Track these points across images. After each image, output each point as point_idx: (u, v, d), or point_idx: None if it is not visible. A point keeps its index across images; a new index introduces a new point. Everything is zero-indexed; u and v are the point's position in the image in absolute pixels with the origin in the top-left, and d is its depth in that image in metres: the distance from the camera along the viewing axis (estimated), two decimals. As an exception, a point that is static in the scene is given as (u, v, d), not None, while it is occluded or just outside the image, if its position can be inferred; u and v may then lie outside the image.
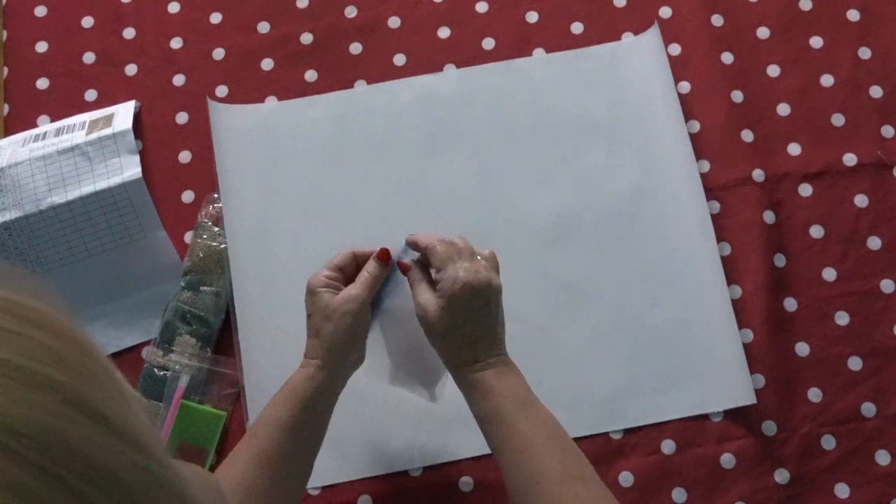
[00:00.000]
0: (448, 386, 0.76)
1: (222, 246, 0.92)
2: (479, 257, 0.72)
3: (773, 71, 0.99)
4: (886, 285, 0.92)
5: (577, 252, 0.93)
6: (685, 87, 0.98)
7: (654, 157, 0.95)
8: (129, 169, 0.92)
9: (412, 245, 0.75)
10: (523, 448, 0.66)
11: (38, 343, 0.31)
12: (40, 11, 1.04)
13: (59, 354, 0.31)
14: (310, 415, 0.72)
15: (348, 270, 0.76)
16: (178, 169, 0.97)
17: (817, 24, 1.01)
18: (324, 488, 0.86)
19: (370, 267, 0.74)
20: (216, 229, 0.93)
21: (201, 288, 0.91)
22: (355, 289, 0.73)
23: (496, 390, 0.69)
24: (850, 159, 0.96)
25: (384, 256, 0.75)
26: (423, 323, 0.71)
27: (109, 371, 0.34)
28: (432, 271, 0.72)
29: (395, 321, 0.77)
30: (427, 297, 0.71)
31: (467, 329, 0.70)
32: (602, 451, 0.86)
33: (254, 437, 0.71)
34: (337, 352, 0.72)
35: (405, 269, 0.75)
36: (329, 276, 0.74)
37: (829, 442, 0.87)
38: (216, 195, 0.95)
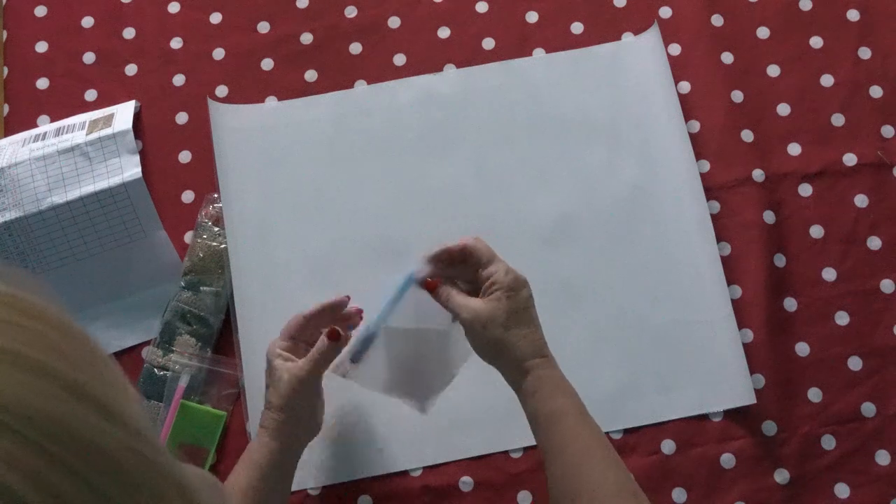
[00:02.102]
0: (439, 400, 0.77)
1: (222, 246, 0.92)
2: None
3: (773, 71, 0.99)
4: (886, 285, 0.92)
5: (577, 252, 0.93)
6: (685, 87, 0.98)
7: (654, 157, 0.95)
8: (129, 169, 0.92)
9: (437, 258, 0.73)
10: (583, 453, 0.65)
11: (38, 333, 0.32)
12: (40, 11, 1.04)
13: (57, 344, 0.32)
14: (266, 482, 0.73)
15: (305, 334, 0.76)
16: (178, 169, 0.97)
17: (817, 24, 1.01)
18: (324, 488, 0.86)
19: (319, 344, 0.74)
20: (216, 229, 0.93)
21: (201, 288, 0.91)
22: (304, 364, 0.73)
23: (564, 390, 0.68)
24: (850, 159, 0.96)
25: (334, 336, 0.73)
26: (477, 325, 0.69)
27: (107, 362, 0.35)
28: (480, 271, 0.71)
29: (399, 338, 0.76)
30: (473, 302, 0.70)
31: (527, 317, 0.69)
32: (602, 451, 0.86)
33: None
34: (286, 423, 0.73)
35: (434, 286, 0.72)
36: (281, 347, 0.75)
37: (829, 442, 0.87)
38: (216, 195, 0.95)
